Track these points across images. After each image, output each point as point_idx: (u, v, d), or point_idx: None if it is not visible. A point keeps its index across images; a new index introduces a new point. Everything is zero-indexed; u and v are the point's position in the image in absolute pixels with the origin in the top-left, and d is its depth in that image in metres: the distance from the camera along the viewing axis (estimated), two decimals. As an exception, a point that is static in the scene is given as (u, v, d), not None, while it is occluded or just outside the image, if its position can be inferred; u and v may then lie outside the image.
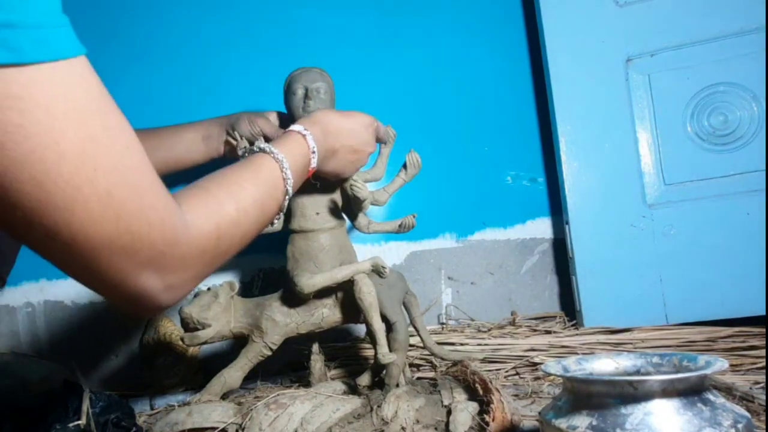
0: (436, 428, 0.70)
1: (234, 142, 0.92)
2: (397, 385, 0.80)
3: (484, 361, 0.93)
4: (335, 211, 0.86)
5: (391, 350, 0.79)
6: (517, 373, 0.92)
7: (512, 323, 1.09)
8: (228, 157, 0.96)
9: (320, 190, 0.85)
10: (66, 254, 0.40)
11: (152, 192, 0.42)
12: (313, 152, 0.67)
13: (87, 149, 0.37)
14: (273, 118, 0.97)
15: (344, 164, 0.76)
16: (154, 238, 0.42)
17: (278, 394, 0.75)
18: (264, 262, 1.16)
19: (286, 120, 0.94)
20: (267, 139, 0.91)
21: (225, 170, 0.56)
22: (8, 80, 0.34)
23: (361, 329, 1.10)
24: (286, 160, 0.60)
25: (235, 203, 0.52)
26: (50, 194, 0.36)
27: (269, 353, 0.83)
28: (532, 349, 0.94)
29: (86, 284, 0.43)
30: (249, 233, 0.55)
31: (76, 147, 0.37)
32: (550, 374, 0.65)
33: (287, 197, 0.61)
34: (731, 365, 0.84)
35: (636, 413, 0.45)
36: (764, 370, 0.82)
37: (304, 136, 0.67)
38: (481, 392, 0.71)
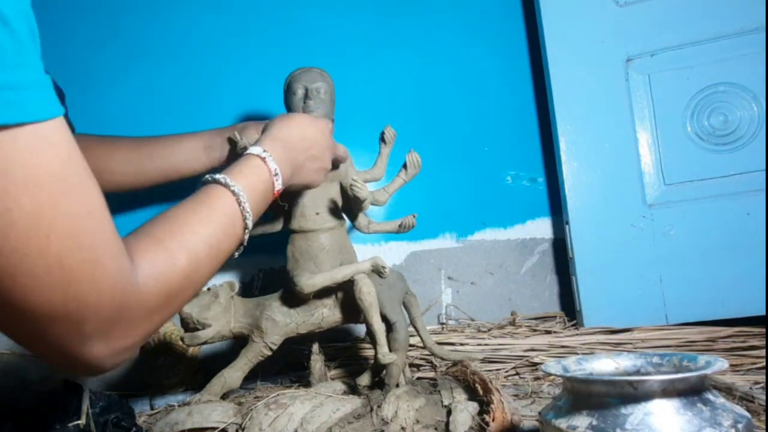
0: (436, 428, 0.70)
1: (236, 140, 0.92)
2: (397, 385, 0.80)
3: (484, 361, 0.93)
4: (335, 211, 0.86)
5: (391, 350, 0.79)
6: (517, 373, 0.92)
7: (512, 323, 1.09)
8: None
9: (320, 190, 0.85)
10: (8, 319, 0.38)
11: (107, 258, 0.40)
12: (276, 175, 0.62)
13: (42, 216, 0.35)
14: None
15: (310, 174, 0.73)
16: (103, 307, 0.39)
17: (278, 394, 0.75)
18: (264, 262, 1.16)
19: None
20: None
21: (177, 211, 0.52)
22: None
23: (361, 329, 1.10)
24: (243, 192, 0.56)
25: (187, 254, 0.48)
26: None
27: (269, 353, 0.83)
28: (532, 349, 0.94)
29: (28, 349, 0.41)
30: (202, 281, 0.52)
31: (29, 214, 0.35)
32: (550, 374, 0.65)
33: (247, 231, 0.57)
34: (731, 365, 0.84)
35: (636, 413, 0.45)
36: (764, 370, 0.82)
37: (263, 159, 0.62)
38: (481, 392, 0.71)
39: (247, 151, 0.63)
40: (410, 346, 0.90)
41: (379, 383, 0.83)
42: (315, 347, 0.90)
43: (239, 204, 0.56)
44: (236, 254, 0.59)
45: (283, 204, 0.87)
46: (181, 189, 1.17)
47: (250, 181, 0.59)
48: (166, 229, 0.49)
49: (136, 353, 0.47)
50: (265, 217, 0.90)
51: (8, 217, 0.34)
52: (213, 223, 0.53)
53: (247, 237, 0.58)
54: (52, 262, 0.36)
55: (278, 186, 0.63)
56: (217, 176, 0.56)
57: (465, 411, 0.69)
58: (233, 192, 0.55)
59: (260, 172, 0.61)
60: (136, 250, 0.44)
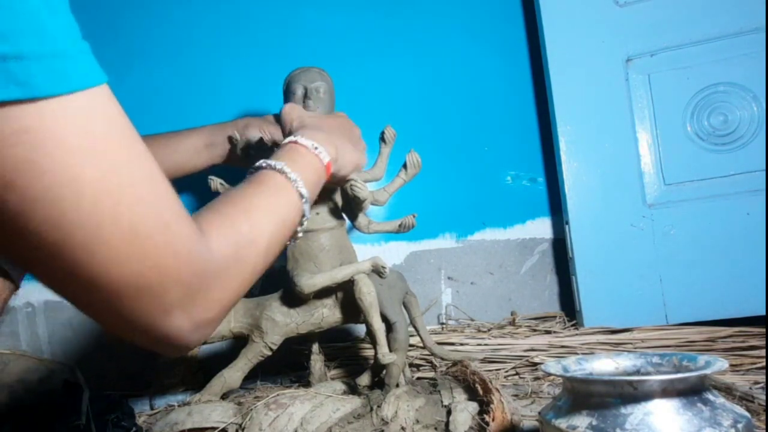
0: (436, 428, 0.70)
1: (235, 141, 0.92)
2: (397, 385, 0.80)
3: (484, 361, 0.93)
4: (335, 211, 0.86)
5: (391, 350, 0.79)
6: (517, 373, 0.92)
7: (512, 323, 1.09)
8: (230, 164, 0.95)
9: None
10: (88, 296, 0.37)
11: (177, 221, 0.39)
12: (316, 148, 0.63)
13: (107, 184, 0.35)
14: (272, 121, 0.96)
15: (353, 151, 0.74)
16: (182, 274, 0.39)
17: (278, 394, 0.75)
18: (264, 262, 1.16)
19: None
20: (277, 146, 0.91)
21: (241, 192, 0.53)
22: (16, 116, 0.31)
23: (361, 329, 1.10)
24: (299, 178, 0.57)
25: (257, 230, 0.49)
26: (68, 234, 0.34)
27: (269, 353, 0.83)
28: (532, 349, 0.94)
29: (111, 329, 0.40)
30: (268, 259, 0.52)
31: (95, 182, 0.34)
32: (550, 374, 0.65)
33: (305, 218, 0.58)
34: (731, 365, 0.84)
35: (636, 413, 0.45)
36: (764, 370, 0.82)
37: (295, 142, 0.63)
38: (481, 392, 0.71)
39: (295, 141, 0.63)
40: (410, 346, 0.90)
41: (379, 383, 0.83)
42: (315, 347, 0.90)
43: (299, 193, 0.56)
44: (299, 234, 0.61)
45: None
46: (181, 185, 1.17)
47: (291, 157, 0.60)
48: (235, 208, 0.49)
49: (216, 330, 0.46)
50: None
51: (75, 187, 0.33)
52: (276, 207, 0.54)
53: (307, 210, 0.58)
54: (127, 230, 0.35)
55: (325, 159, 0.64)
56: (274, 163, 0.57)
57: (465, 411, 0.69)
58: (290, 179, 0.56)
59: (299, 151, 0.62)
60: (205, 223, 0.44)
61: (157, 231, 0.37)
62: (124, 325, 0.40)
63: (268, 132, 0.91)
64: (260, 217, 0.50)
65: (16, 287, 0.80)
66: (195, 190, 1.15)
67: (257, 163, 0.58)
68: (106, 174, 0.35)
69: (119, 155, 0.36)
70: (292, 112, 0.75)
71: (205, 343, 0.82)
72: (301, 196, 0.56)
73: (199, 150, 0.93)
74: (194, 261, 0.40)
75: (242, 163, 0.93)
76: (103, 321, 0.40)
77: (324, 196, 0.85)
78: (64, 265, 0.35)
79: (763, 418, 0.64)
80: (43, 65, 0.32)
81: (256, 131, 0.91)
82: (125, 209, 0.35)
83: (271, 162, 0.57)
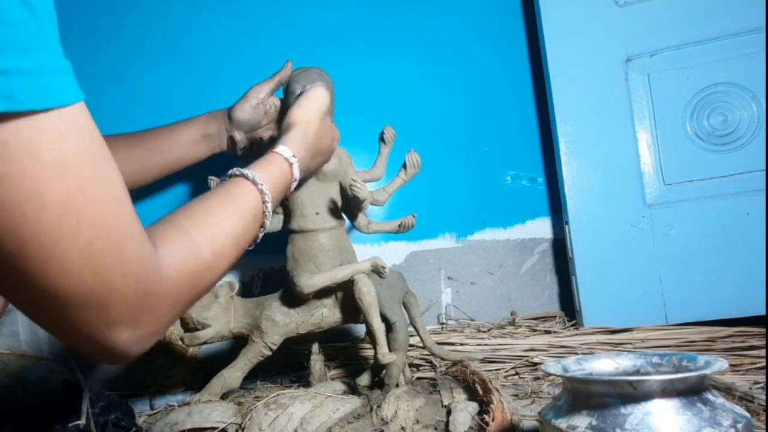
0: (435, 428, 0.70)
1: (236, 140, 0.92)
2: (397, 385, 0.80)
3: (483, 361, 0.93)
4: (335, 211, 0.86)
5: (390, 350, 0.79)
6: (517, 373, 0.92)
7: (512, 323, 1.09)
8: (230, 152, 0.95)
9: (319, 190, 0.85)
10: (37, 305, 0.38)
11: (132, 243, 0.40)
12: (295, 180, 0.66)
13: (72, 200, 0.36)
14: (263, 91, 0.94)
15: (324, 153, 0.77)
16: (129, 292, 0.40)
17: (278, 394, 0.75)
18: (264, 262, 1.16)
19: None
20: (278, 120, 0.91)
21: (203, 202, 0.53)
22: None
23: (361, 329, 1.10)
24: (268, 191, 0.58)
25: (212, 246, 0.49)
26: (26, 244, 0.35)
27: (269, 353, 0.83)
28: (532, 349, 0.94)
29: (57, 336, 0.41)
30: (223, 273, 0.52)
31: (60, 198, 0.35)
32: (550, 374, 0.65)
33: (263, 229, 0.59)
34: (731, 365, 0.84)
35: (636, 413, 0.45)
36: (764, 370, 0.82)
37: (291, 164, 0.65)
38: (480, 392, 0.71)
39: (276, 151, 0.65)
40: (410, 346, 0.90)
41: (379, 383, 0.83)
42: (315, 347, 0.90)
43: (264, 202, 0.57)
44: (250, 248, 0.60)
45: (279, 211, 0.88)
46: (178, 178, 1.17)
47: (275, 181, 0.61)
48: (191, 219, 0.50)
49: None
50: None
51: (40, 201, 0.34)
52: (238, 216, 0.54)
53: (261, 234, 0.59)
54: (83, 246, 0.37)
55: (293, 188, 0.66)
56: (246, 172, 0.58)
57: (465, 411, 0.69)
58: (261, 190, 0.57)
59: (284, 174, 0.64)
60: (159, 238, 0.45)
61: (111, 250, 0.38)
62: (69, 335, 0.41)
63: (267, 103, 0.92)
64: (220, 232, 0.51)
65: None
66: (192, 179, 1.15)
67: (231, 171, 0.59)
68: (72, 192, 0.36)
69: (87, 174, 0.37)
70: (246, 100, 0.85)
71: (205, 343, 0.82)
72: (265, 210, 0.58)
73: (197, 141, 0.93)
74: (142, 281, 0.40)
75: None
76: (50, 329, 0.41)
77: (323, 196, 0.85)
78: (17, 273, 0.36)
79: (763, 418, 0.64)
80: (25, 81, 0.33)
81: (252, 105, 0.91)
82: (84, 227, 0.36)
83: (246, 171, 0.58)
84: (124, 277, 0.39)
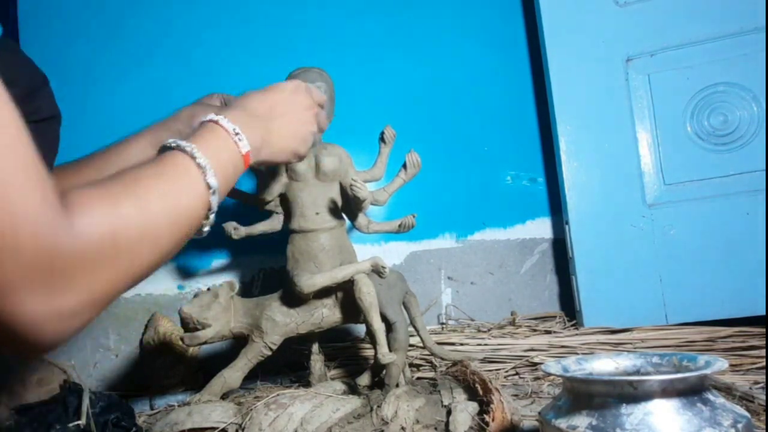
0: (436, 428, 0.70)
1: None
2: (397, 385, 0.80)
3: (484, 361, 0.93)
4: (335, 211, 0.86)
5: (391, 350, 0.79)
6: (517, 373, 0.92)
7: (512, 323, 1.09)
8: None
9: (320, 190, 0.85)
10: None
11: (25, 191, 0.35)
12: (237, 134, 0.57)
13: None
14: (216, 101, 0.89)
15: (287, 139, 0.67)
16: (25, 246, 0.35)
17: (278, 394, 0.75)
18: (264, 262, 1.16)
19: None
20: None
21: (131, 168, 0.48)
22: None
23: (361, 329, 1.10)
24: (197, 149, 0.51)
25: (137, 203, 0.43)
26: None
27: (269, 353, 0.83)
28: (532, 349, 0.94)
29: None
30: (161, 241, 0.46)
31: None
32: (550, 374, 0.65)
33: (214, 194, 0.52)
34: (731, 365, 0.84)
35: (636, 413, 0.45)
36: (764, 370, 0.82)
37: (216, 122, 0.57)
38: (481, 392, 0.71)
39: (215, 119, 0.58)
40: (410, 346, 0.90)
41: (379, 383, 0.83)
42: (315, 347, 0.90)
43: (206, 183, 0.51)
44: (205, 228, 0.54)
45: (279, 211, 0.88)
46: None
47: (206, 139, 0.55)
48: (116, 180, 0.45)
49: (90, 320, 0.42)
50: (264, 217, 0.90)
51: None
52: (167, 177, 0.48)
53: (213, 204, 0.52)
54: None
55: (244, 148, 0.58)
56: (184, 145, 0.52)
57: (465, 411, 0.69)
58: (199, 164, 0.51)
59: (218, 133, 0.57)
60: (80, 199, 0.40)
61: None
62: None
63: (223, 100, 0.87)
64: (152, 202, 0.45)
65: None
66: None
67: (166, 142, 0.52)
68: None
69: None
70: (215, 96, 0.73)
71: (205, 343, 0.82)
72: (209, 186, 0.51)
73: (148, 152, 0.84)
74: (41, 236, 0.36)
75: None
76: None
77: (323, 196, 0.85)
78: None
79: (763, 418, 0.64)
80: None
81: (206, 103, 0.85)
82: None
83: (182, 143, 0.51)
84: (14, 228, 0.34)
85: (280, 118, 0.67)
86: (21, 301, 0.35)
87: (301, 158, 0.71)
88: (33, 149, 0.36)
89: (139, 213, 0.43)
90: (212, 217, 0.53)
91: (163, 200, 0.46)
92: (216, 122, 0.57)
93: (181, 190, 0.49)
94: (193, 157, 0.51)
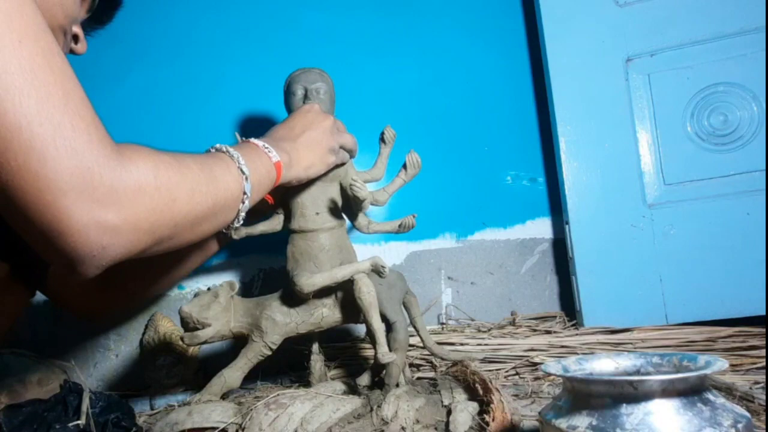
0: (436, 428, 0.70)
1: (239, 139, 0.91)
2: (397, 385, 0.80)
3: (484, 361, 0.93)
4: (335, 211, 0.86)
5: (390, 350, 0.79)
6: (517, 373, 0.92)
7: (512, 323, 1.09)
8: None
9: (320, 190, 0.85)
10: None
11: (81, 104, 0.42)
12: (266, 148, 0.65)
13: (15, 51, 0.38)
14: None
15: (309, 156, 0.75)
16: (82, 149, 0.41)
17: (278, 394, 0.75)
18: (264, 262, 1.16)
19: None
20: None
21: (183, 154, 0.55)
22: None
23: (361, 329, 1.10)
24: (249, 171, 0.59)
25: (177, 157, 0.50)
26: None
27: (269, 353, 0.83)
28: (532, 349, 0.94)
29: (15, 226, 0.41)
30: (197, 195, 0.51)
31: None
32: (550, 374, 0.65)
33: (241, 211, 0.59)
34: (731, 365, 0.84)
35: (636, 413, 0.45)
36: (764, 370, 0.82)
37: (247, 141, 0.66)
38: (481, 392, 0.71)
39: (247, 140, 0.66)
40: (410, 346, 0.90)
41: (379, 383, 0.83)
42: (315, 347, 0.90)
43: (243, 184, 0.58)
44: (234, 225, 0.61)
45: (279, 211, 0.88)
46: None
47: (241, 148, 0.63)
48: (173, 158, 0.50)
49: (136, 252, 0.47)
50: (264, 217, 0.90)
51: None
52: (215, 182, 0.55)
53: (239, 221, 0.60)
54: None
55: (275, 158, 0.65)
56: (231, 151, 0.59)
57: (465, 411, 0.69)
58: (241, 170, 0.59)
59: (251, 146, 0.64)
60: (131, 149, 0.46)
61: (54, 94, 0.40)
62: (25, 219, 0.40)
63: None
64: (191, 164, 0.51)
65: (32, 294, 0.80)
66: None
67: (214, 146, 0.60)
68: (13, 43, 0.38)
69: (26, 31, 0.39)
70: None
71: (205, 342, 0.82)
72: (244, 189, 0.58)
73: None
74: (95, 145, 0.41)
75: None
76: (8, 218, 0.41)
77: (323, 196, 0.85)
78: None
79: (763, 418, 0.64)
80: None
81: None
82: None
83: (230, 149, 0.59)
84: (73, 129, 0.40)
85: (302, 135, 0.74)
86: (68, 206, 0.40)
87: (329, 167, 0.79)
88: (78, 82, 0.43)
89: (179, 164, 0.49)
90: (242, 218, 0.60)
91: (206, 184, 0.52)
92: (247, 141, 0.65)
93: (222, 181, 0.55)
94: (228, 153, 0.58)
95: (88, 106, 0.43)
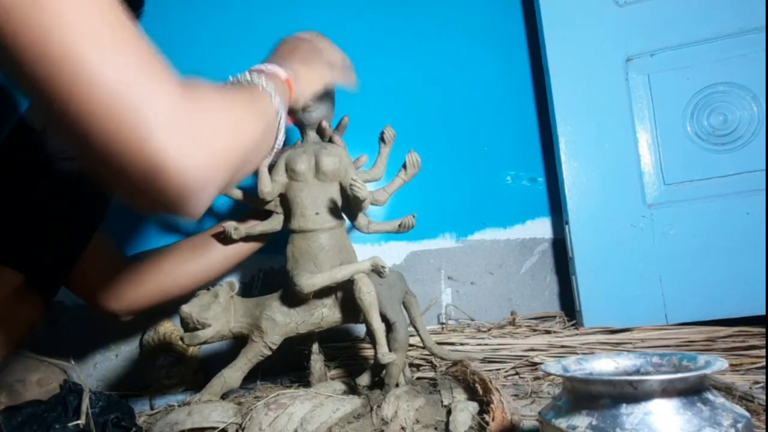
0: (436, 428, 0.70)
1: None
2: (397, 385, 0.80)
3: (484, 361, 0.93)
4: (335, 211, 0.86)
5: (390, 350, 0.79)
6: (517, 373, 0.92)
7: (512, 323, 1.09)
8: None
9: (320, 190, 0.85)
10: (76, 122, 0.41)
11: (159, 65, 0.47)
12: (277, 71, 0.69)
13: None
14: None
15: (315, 63, 0.78)
16: (164, 87, 0.44)
17: (278, 394, 0.75)
18: (264, 262, 1.16)
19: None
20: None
21: (224, 88, 0.61)
22: None
23: (361, 329, 1.10)
24: (275, 92, 0.62)
25: (225, 93, 0.54)
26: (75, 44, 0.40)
27: (269, 353, 0.83)
28: (532, 349, 0.94)
29: (100, 160, 0.43)
30: (250, 126, 0.55)
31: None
32: (550, 374, 0.65)
33: (277, 141, 0.64)
34: (731, 365, 0.84)
35: (636, 413, 0.45)
36: (764, 370, 0.82)
37: (250, 70, 0.67)
38: (481, 392, 0.71)
39: (250, 69, 0.68)
40: (410, 346, 0.90)
41: (379, 383, 0.83)
42: (315, 347, 0.90)
43: (275, 105, 0.62)
44: (276, 147, 0.65)
45: (279, 211, 0.88)
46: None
47: (264, 78, 0.64)
48: (220, 93, 0.54)
49: (214, 195, 0.51)
50: (265, 217, 0.90)
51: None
52: (246, 93, 0.60)
53: (279, 141, 0.65)
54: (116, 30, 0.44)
55: (283, 75, 0.69)
56: (266, 86, 0.62)
57: (465, 411, 0.69)
58: (275, 104, 0.62)
59: (259, 71, 0.67)
60: (192, 83, 0.50)
61: (136, 41, 0.46)
62: (110, 153, 0.42)
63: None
64: (246, 108, 0.56)
65: (47, 304, 0.80)
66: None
67: (234, 77, 0.63)
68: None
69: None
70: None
71: (205, 342, 0.82)
72: (277, 109, 0.62)
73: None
74: (174, 83, 0.46)
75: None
76: (93, 153, 0.43)
77: (323, 196, 0.85)
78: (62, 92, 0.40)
79: (763, 418, 0.64)
80: None
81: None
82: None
83: (247, 77, 0.62)
84: (154, 71, 0.46)
85: (301, 51, 0.77)
86: (156, 139, 0.43)
87: (333, 82, 0.83)
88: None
89: (232, 97, 0.55)
90: (281, 138, 0.65)
91: (241, 95, 0.58)
92: (251, 70, 0.66)
93: (249, 92, 0.60)
94: (250, 80, 0.62)
95: (159, 54, 0.48)
